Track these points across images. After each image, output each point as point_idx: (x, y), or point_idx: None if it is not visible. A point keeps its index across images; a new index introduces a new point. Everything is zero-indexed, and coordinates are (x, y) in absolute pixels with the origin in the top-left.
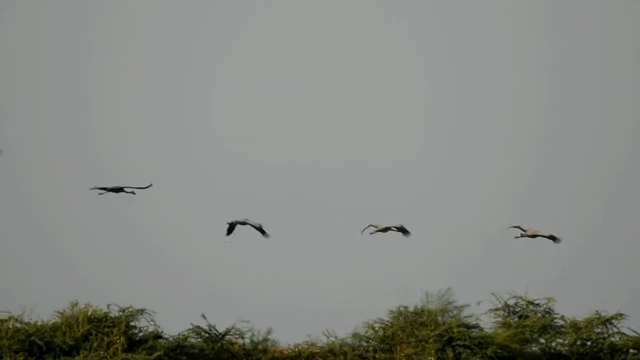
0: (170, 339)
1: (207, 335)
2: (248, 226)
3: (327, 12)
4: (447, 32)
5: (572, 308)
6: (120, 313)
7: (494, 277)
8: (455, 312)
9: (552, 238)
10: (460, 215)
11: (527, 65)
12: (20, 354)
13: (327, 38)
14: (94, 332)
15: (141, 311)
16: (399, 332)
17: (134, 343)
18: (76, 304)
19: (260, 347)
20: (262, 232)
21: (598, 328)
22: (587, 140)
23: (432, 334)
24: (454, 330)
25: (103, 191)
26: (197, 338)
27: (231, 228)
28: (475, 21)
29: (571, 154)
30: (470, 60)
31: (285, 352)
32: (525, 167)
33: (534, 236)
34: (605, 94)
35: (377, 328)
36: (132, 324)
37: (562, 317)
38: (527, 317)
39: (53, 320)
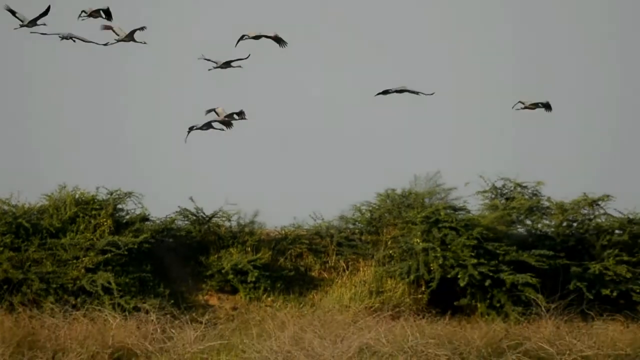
0: (157, 222)
1: (194, 217)
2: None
3: None
4: None
5: (560, 191)
6: (108, 196)
7: (484, 160)
8: (442, 195)
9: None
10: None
11: None
12: (7, 236)
13: None
14: (81, 215)
15: (129, 194)
16: (385, 215)
17: (120, 225)
18: (64, 187)
19: (246, 229)
20: (228, 125)
21: (585, 209)
22: None
23: (418, 216)
24: (441, 212)
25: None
26: (184, 220)
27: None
28: None
29: None
30: None
31: (271, 234)
32: None
33: (533, 107)
34: None
35: (364, 210)
36: (119, 206)
37: (549, 199)
38: (514, 199)
39: (40, 203)
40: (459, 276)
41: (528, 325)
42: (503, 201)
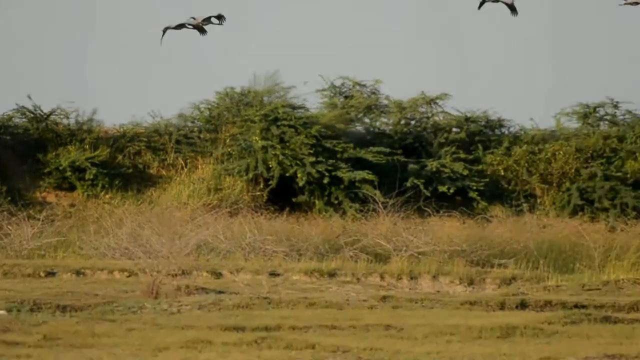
0: None
1: (31, 115)
2: None
3: None
4: None
5: (399, 89)
6: None
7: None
8: (281, 93)
9: None
10: None
11: None
12: None
13: None
14: None
15: None
16: (224, 113)
17: None
18: None
19: (85, 127)
20: (202, 31)
21: (422, 108)
22: None
23: (257, 114)
24: (280, 110)
25: None
26: (21, 118)
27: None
28: None
29: None
30: None
31: (110, 132)
32: None
33: (635, 4)
34: None
35: (202, 109)
36: None
37: (387, 97)
38: (353, 97)
39: None
40: (297, 175)
41: (365, 221)
42: (342, 99)
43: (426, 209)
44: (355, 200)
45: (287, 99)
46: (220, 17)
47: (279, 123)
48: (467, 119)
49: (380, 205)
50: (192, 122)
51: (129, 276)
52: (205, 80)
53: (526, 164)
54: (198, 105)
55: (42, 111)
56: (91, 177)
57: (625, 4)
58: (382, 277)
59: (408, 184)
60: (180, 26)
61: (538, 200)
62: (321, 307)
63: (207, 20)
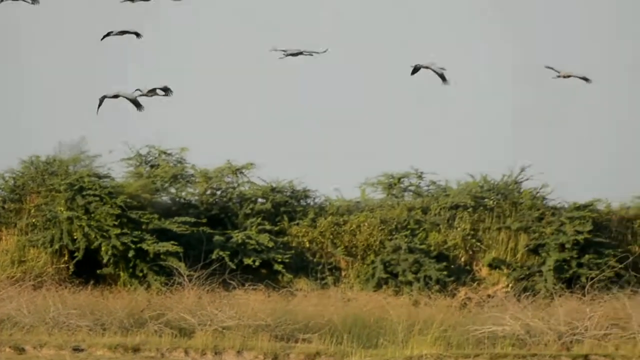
0: None
1: None
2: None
3: None
4: None
5: (206, 158)
6: None
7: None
8: (87, 162)
9: (585, 79)
10: None
11: None
12: None
13: None
14: None
15: None
16: (29, 182)
17: None
18: None
19: None
20: (137, 105)
21: (229, 177)
22: None
23: (62, 183)
24: (85, 179)
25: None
26: None
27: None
28: None
29: None
30: None
31: None
32: None
33: (567, 76)
34: None
35: (7, 178)
36: None
37: (194, 167)
38: (159, 166)
39: None
40: (102, 248)
41: (171, 295)
42: (148, 169)
43: (231, 281)
44: (161, 272)
45: (93, 168)
46: (166, 90)
47: (84, 193)
48: (272, 189)
49: (185, 278)
50: None
51: None
52: (10, 148)
53: (331, 236)
54: (2, 174)
55: None
56: None
57: (559, 76)
58: (186, 352)
59: (213, 256)
60: (116, 96)
61: (343, 273)
62: None
63: (153, 91)
